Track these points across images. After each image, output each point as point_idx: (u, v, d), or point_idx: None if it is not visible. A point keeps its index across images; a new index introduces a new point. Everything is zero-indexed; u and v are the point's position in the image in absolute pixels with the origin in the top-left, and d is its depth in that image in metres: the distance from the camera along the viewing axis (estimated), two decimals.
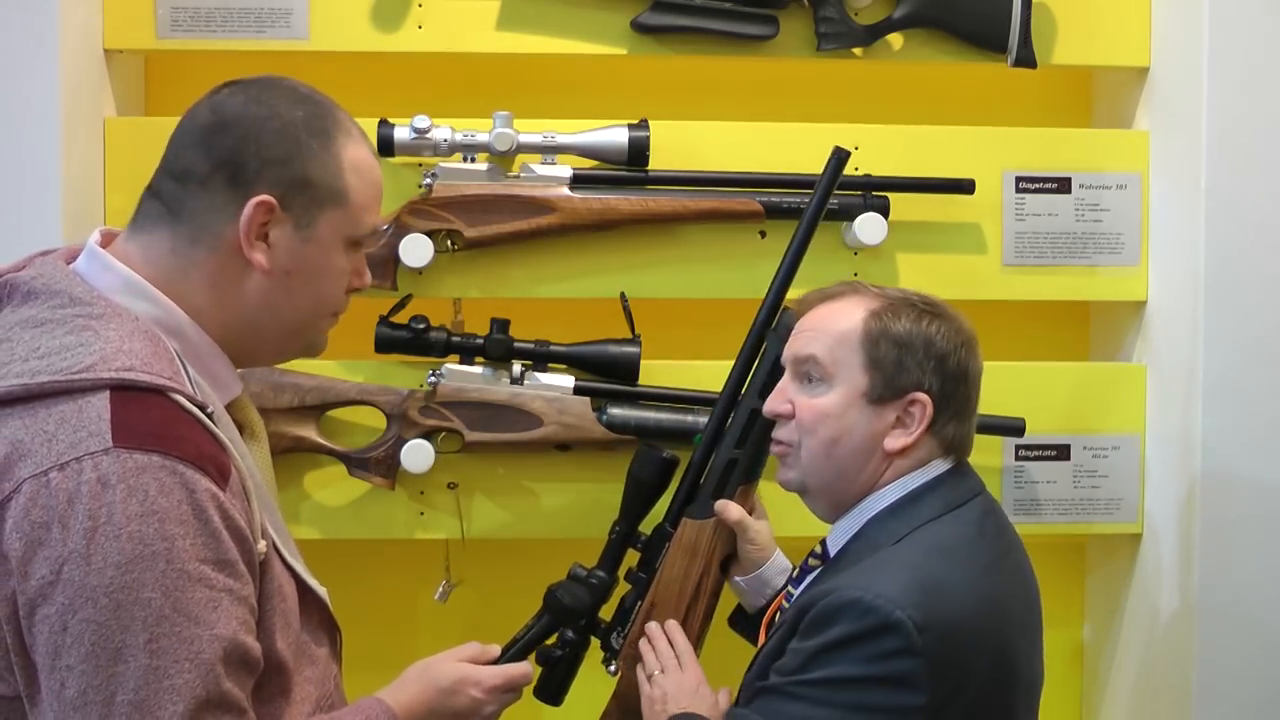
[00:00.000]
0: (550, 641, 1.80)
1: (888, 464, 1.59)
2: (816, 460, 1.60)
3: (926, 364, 1.57)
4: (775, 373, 1.74)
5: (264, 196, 1.36)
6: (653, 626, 1.75)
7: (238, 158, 1.36)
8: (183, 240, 1.37)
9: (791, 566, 1.82)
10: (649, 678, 1.70)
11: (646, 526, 1.86)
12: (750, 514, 1.79)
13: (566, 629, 1.79)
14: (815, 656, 1.46)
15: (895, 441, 1.58)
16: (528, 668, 1.66)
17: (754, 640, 1.84)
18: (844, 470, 1.60)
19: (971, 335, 1.62)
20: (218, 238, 1.37)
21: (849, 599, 1.45)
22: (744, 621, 1.86)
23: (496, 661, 1.65)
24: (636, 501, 1.85)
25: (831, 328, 1.60)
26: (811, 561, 1.68)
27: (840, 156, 1.83)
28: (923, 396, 1.57)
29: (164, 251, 1.37)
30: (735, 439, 1.79)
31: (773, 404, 1.65)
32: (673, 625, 1.75)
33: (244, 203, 1.36)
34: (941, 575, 1.48)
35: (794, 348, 1.64)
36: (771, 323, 1.80)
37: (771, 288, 1.83)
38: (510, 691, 1.63)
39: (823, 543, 1.67)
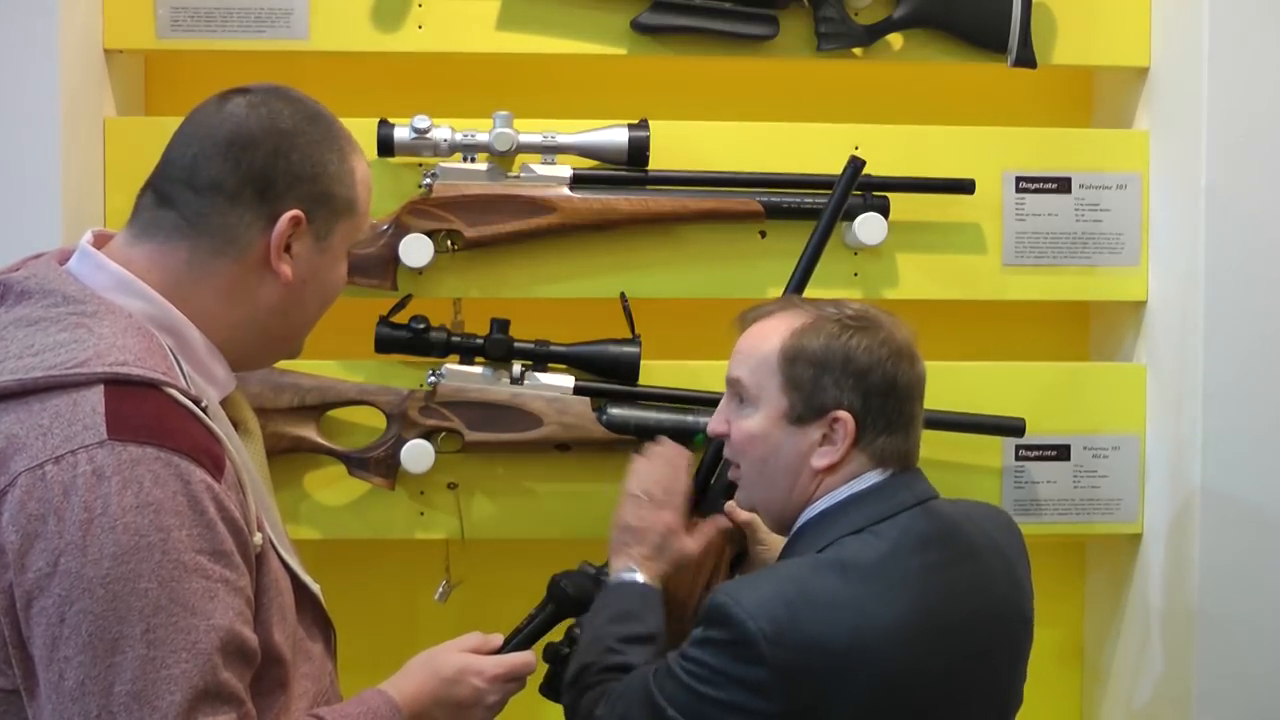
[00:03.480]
0: (557, 638, 1.79)
1: (818, 480, 1.58)
2: (751, 480, 1.62)
3: (844, 381, 1.55)
4: None
5: (295, 211, 1.39)
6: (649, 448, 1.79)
7: (268, 174, 1.39)
8: (203, 252, 1.39)
9: None
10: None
11: None
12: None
13: (576, 626, 1.78)
14: (691, 644, 1.49)
15: (821, 460, 1.56)
16: (531, 657, 1.66)
17: None
18: (777, 488, 1.60)
19: (901, 346, 1.58)
20: (244, 250, 1.40)
21: (716, 603, 1.47)
22: None
23: (500, 651, 1.65)
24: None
25: (756, 350, 1.60)
26: None
27: (856, 166, 1.85)
28: (843, 414, 1.55)
29: (179, 261, 1.39)
30: None
31: (713, 425, 1.67)
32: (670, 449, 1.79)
33: (271, 217, 1.39)
34: (820, 592, 1.46)
35: (728, 369, 1.65)
36: None
37: (787, 290, 1.84)
38: (513, 681, 1.63)
39: None
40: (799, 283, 1.85)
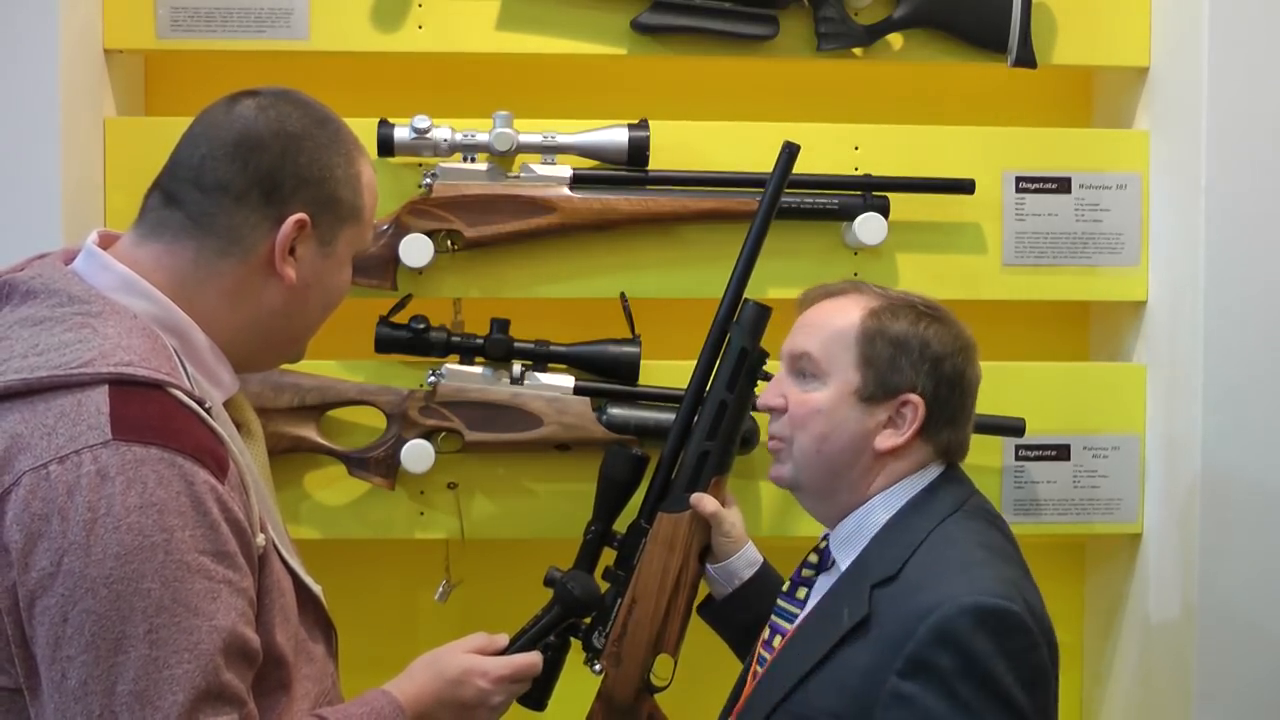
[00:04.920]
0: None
1: (879, 465, 1.58)
2: (808, 456, 1.60)
3: (921, 366, 1.56)
4: (740, 364, 1.79)
5: (301, 215, 1.39)
6: None
7: (275, 176, 1.39)
8: (209, 252, 1.39)
9: (761, 559, 1.84)
10: None
11: (619, 525, 1.87)
12: (723, 505, 1.81)
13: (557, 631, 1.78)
14: (957, 684, 1.40)
15: (886, 441, 1.57)
16: (537, 657, 1.66)
17: (722, 629, 1.86)
18: (834, 467, 1.59)
19: (970, 342, 1.61)
20: (249, 251, 1.40)
21: (958, 608, 1.41)
22: (713, 610, 1.86)
23: (505, 651, 1.65)
24: (610, 500, 1.86)
25: (828, 324, 1.60)
26: (805, 572, 1.67)
27: (791, 150, 1.86)
28: (915, 398, 1.56)
29: (185, 261, 1.39)
30: (706, 431, 1.81)
31: (766, 398, 1.65)
32: None
33: (277, 219, 1.39)
34: (1000, 567, 1.49)
35: (791, 343, 1.64)
36: (733, 315, 1.83)
37: (731, 280, 1.85)
38: (518, 682, 1.63)
39: (822, 552, 1.66)
40: (745, 267, 1.85)
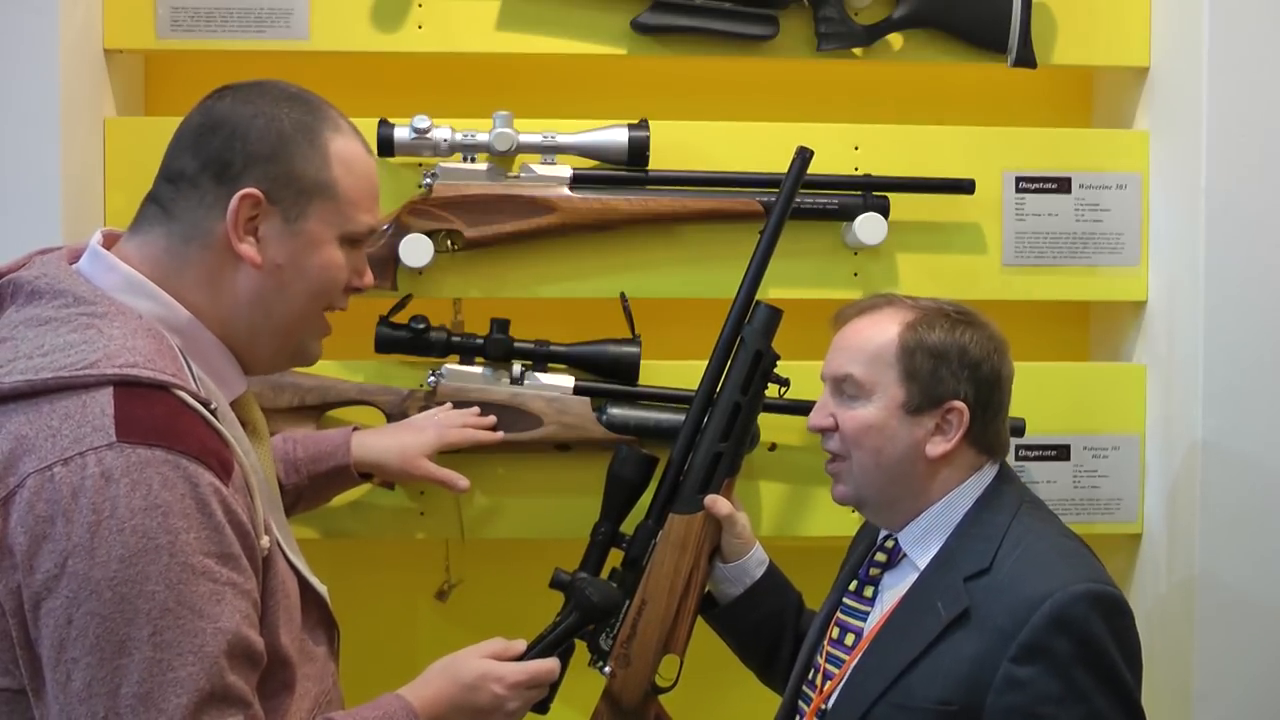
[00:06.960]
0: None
1: (933, 470, 1.64)
2: (867, 471, 1.66)
3: (961, 373, 1.62)
4: (755, 367, 1.81)
5: (248, 190, 1.37)
6: None
7: (224, 156, 1.38)
8: (176, 239, 1.39)
9: (768, 558, 1.87)
10: None
11: (624, 526, 1.87)
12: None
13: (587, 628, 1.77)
14: (1073, 668, 1.49)
15: (936, 448, 1.63)
16: (554, 664, 1.64)
17: (731, 630, 1.88)
18: (893, 478, 1.65)
19: (1002, 341, 1.67)
20: (208, 234, 1.38)
21: (1072, 595, 1.50)
22: (722, 611, 1.87)
23: (522, 657, 1.64)
24: (619, 501, 1.87)
25: (867, 345, 1.65)
26: (873, 571, 1.70)
27: (804, 156, 1.87)
28: (959, 404, 1.62)
29: (159, 250, 1.39)
30: (720, 433, 1.82)
31: (815, 419, 1.70)
32: None
33: (229, 198, 1.37)
34: (1088, 554, 1.61)
35: (833, 366, 1.69)
36: (745, 318, 1.85)
37: (743, 284, 1.87)
38: (535, 688, 1.62)
39: (890, 551, 1.69)
40: (756, 271, 1.86)
